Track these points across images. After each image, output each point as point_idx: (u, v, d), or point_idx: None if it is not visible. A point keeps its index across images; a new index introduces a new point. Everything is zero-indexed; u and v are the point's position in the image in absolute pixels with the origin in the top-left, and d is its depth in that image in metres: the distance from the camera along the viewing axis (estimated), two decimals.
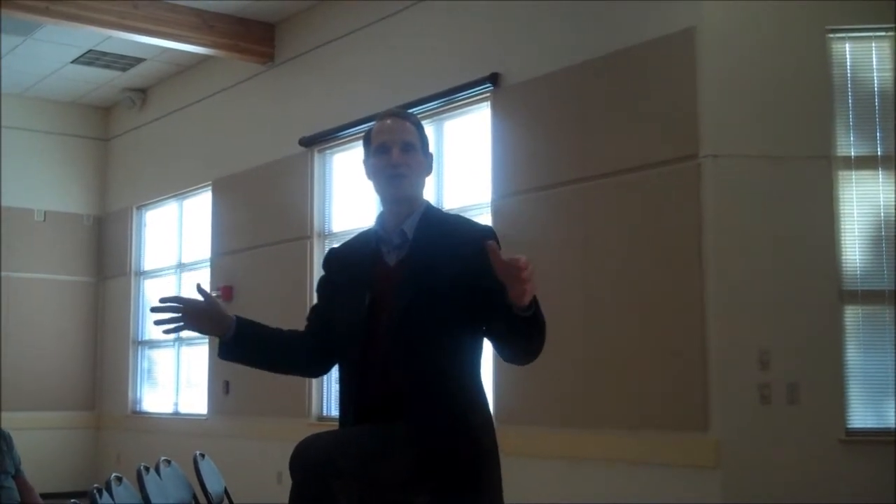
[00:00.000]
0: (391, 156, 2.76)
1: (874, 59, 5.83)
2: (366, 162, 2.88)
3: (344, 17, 8.35)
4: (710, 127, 5.68)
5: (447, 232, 2.75)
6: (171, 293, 10.32)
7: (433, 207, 2.87)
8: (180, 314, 2.71)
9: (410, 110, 7.41)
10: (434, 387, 2.62)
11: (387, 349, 2.66)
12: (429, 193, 7.25)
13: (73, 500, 3.48)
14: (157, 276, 11.04)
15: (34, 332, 10.98)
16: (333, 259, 2.96)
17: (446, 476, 2.59)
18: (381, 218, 2.85)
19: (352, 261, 2.86)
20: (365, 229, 2.93)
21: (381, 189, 2.81)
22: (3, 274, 10.83)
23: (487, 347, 2.76)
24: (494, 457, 2.71)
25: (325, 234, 8.49)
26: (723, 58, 5.75)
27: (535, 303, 2.49)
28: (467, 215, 6.81)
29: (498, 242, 2.76)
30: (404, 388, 2.62)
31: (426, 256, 2.70)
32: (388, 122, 2.83)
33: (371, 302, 2.72)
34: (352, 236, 2.99)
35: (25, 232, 11.08)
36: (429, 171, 2.87)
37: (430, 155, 2.88)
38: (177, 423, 10.16)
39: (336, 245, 3.07)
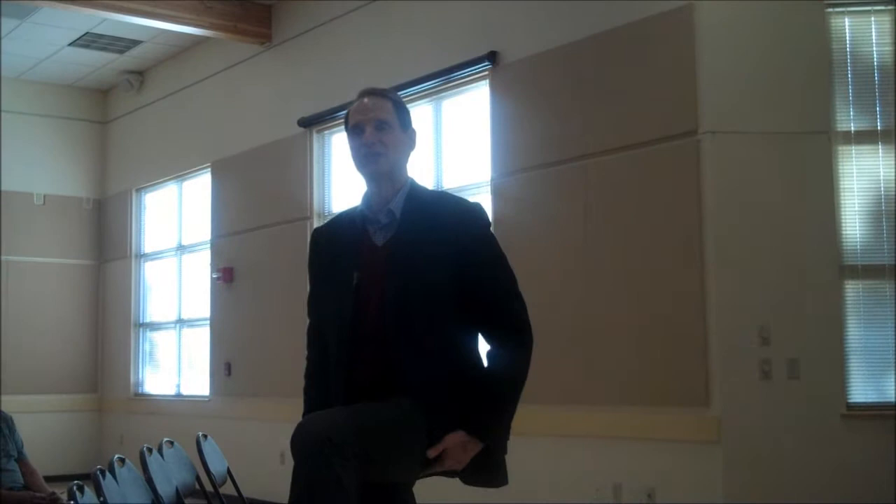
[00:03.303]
0: (364, 135, 2.75)
1: (873, 34, 5.81)
2: (348, 143, 2.88)
3: None
4: (710, 103, 5.67)
5: (434, 211, 2.75)
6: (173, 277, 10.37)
7: (418, 185, 2.85)
8: None
9: (409, 89, 7.48)
10: (431, 364, 2.63)
11: (380, 329, 2.66)
12: (428, 172, 7.31)
13: (76, 482, 3.48)
14: (157, 259, 11.04)
15: (35, 316, 10.99)
16: (320, 237, 2.95)
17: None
18: (367, 197, 2.83)
19: (338, 240, 2.85)
20: (350, 208, 2.91)
21: (359, 168, 2.80)
22: (3, 258, 10.83)
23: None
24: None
25: (325, 215, 8.48)
26: (721, 33, 5.74)
27: (494, 428, 2.67)
28: (467, 194, 6.86)
29: (486, 218, 2.78)
30: (401, 367, 2.62)
31: (414, 236, 2.70)
32: (365, 101, 2.80)
33: (359, 282, 2.71)
34: (336, 214, 2.97)
35: (25, 216, 11.08)
36: (411, 147, 2.85)
37: (413, 131, 2.85)
38: (179, 405, 10.19)
39: (322, 225, 3.05)
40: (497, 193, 6.78)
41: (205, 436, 5.25)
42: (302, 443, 2.38)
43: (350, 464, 2.35)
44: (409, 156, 2.84)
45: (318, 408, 2.76)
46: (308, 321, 2.94)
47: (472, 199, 2.87)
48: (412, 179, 2.85)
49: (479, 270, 2.67)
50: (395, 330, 2.64)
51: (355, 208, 2.87)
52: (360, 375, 2.67)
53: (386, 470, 2.55)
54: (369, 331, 2.68)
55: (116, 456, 4.06)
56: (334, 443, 2.34)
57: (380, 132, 2.75)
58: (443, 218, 2.72)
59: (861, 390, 5.60)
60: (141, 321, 11.12)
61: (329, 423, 2.43)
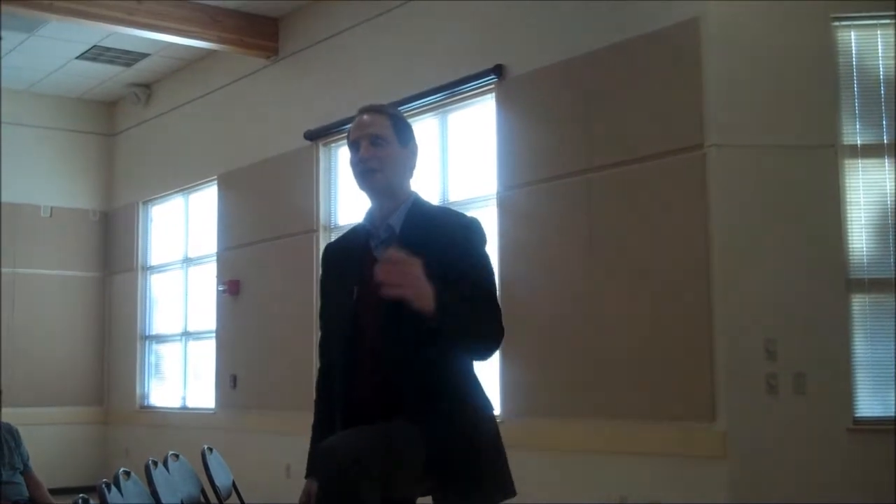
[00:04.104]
0: (360, 151, 2.77)
1: (879, 47, 5.81)
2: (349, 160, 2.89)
3: (347, 10, 8.34)
4: (715, 117, 5.67)
5: (433, 226, 2.76)
6: (180, 290, 10.38)
7: (420, 200, 2.86)
8: None
9: (415, 103, 7.49)
10: (426, 379, 2.64)
11: (376, 344, 2.67)
12: (434, 186, 7.31)
13: (81, 495, 3.48)
14: (163, 271, 11.05)
15: (42, 328, 11.00)
16: (330, 252, 2.99)
17: (448, 467, 2.62)
18: (369, 212, 2.85)
19: (343, 255, 2.88)
20: (356, 224, 2.94)
21: (357, 184, 2.83)
22: (10, 270, 10.85)
23: None
24: (495, 444, 2.73)
25: (331, 228, 8.49)
26: (727, 47, 5.74)
27: (441, 312, 2.47)
28: (473, 207, 6.88)
29: (483, 233, 2.78)
30: (398, 384, 2.63)
31: (413, 251, 2.70)
32: (364, 117, 2.82)
33: (358, 296, 2.73)
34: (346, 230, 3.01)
35: (32, 228, 11.10)
36: (412, 162, 2.85)
37: (414, 146, 2.86)
38: (185, 418, 10.19)
39: (332, 240, 3.09)
40: (503, 207, 6.78)
41: (210, 449, 5.25)
42: (328, 464, 2.39)
43: (374, 485, 2.37)
44: (410, 171, 2.85)
45: (325, 420, 2.79)
46: (320, 333, 2.97)
47: (477, 213, 2.88)
48: (416, 194, 2.85)
49: (461, 276, 2.62)
50: (390, 344, 2.65)
51: (359, 224, 2.90)
52: (360, 388, 2.68)
53: (402, 490, 2.57)
54: (367, 344, 2.69)
55: (122, 469, 4.06)
56: (361, 464, 2.36)
57: (375, 148, 2.76)
58: (440, 232, 2.73)
59: (867, 404, 5.58)
60: (147, 333, 11.12)
61: (354, 445, 2.44)
